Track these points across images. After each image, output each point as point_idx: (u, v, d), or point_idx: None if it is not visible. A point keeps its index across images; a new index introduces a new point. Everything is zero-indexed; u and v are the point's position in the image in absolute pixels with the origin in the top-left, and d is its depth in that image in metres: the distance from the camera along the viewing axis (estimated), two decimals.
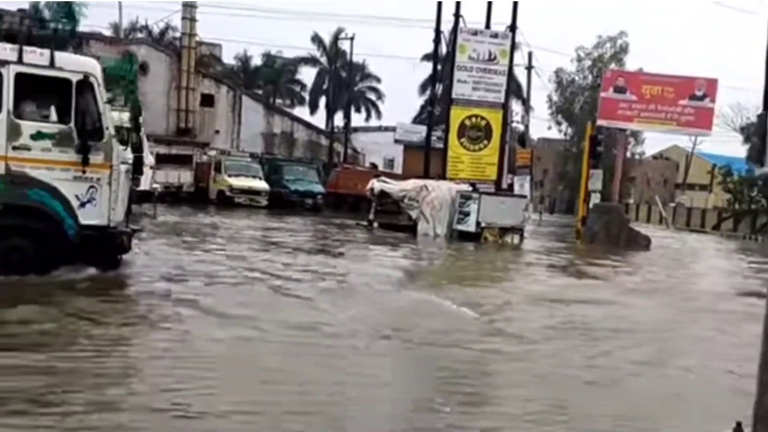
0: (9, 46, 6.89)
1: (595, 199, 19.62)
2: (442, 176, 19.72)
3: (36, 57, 6.95)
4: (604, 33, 42.74)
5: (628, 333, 7.09)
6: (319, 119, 42.18)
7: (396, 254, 13.04)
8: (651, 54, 67.95)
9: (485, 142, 20.44)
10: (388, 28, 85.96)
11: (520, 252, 15.67)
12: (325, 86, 43.99)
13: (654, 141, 54.98)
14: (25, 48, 6.91)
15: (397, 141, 37.31)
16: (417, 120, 40.86)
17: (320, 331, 6.14)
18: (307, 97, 45.23)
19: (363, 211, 21.11)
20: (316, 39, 43.08)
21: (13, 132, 6.85)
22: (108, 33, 32.70)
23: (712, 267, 16.14)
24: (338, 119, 41.56)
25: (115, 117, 7.45)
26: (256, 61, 43.60)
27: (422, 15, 78.80)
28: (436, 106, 26.05)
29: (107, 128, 7.17)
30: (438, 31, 22.15)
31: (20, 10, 8.31)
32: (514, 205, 17.38)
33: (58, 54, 7.02)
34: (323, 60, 43.86)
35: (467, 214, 16.72)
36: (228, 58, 41.06)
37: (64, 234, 7.03)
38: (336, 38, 41.29)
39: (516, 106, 34.01)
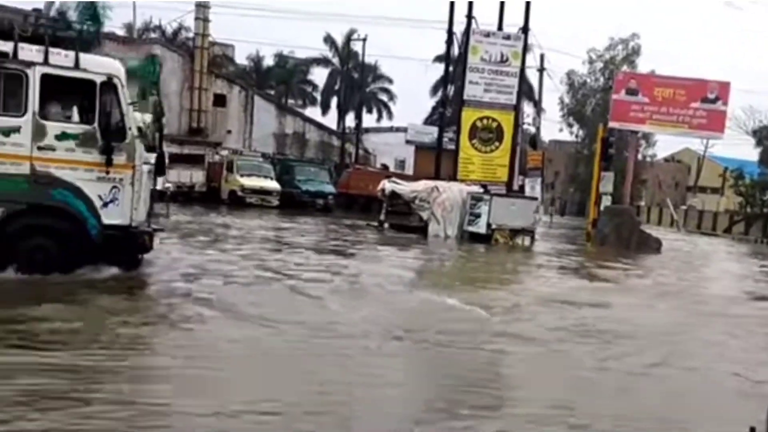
0: (35, 47, 6.97)
1: (606, 201, 19.61)
2: (453, 177, 19.75)
3: (61, 58, 7.05)
4: (616, 35, 42.69)
5: (639, 336, 7.12)
6: (331, 120, 42.38)
7: (407, 255, 13.11)
8: (663, 55, 67.77)
9: (496, 143, 20.48)
10: (400, 29, 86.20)
11: (531, 254, 15.69)
12: (336, 87, 44.12)
13: (666, 143, 54.86)
14: (51, 50, 7.00)
15: (408, 142, 37.39)
16: (428, 121, 40.92)
17: (333, 331, 6.21)
18: (318, 97, 45.38)
19: (374, 212, 21.20)
20: (329, 40, 43.26)
21: (39, 132, 6.97)
22: (121, 33, 33.00)
23: (723, 270, 16.11)
24: (350, 120, 41.70)
25: (137, 118, 7.57)
26: (268, 61, 43.84)
27: (435, 16, 78.75)
28: (448, 108, 26.11)
29: (130, 129, 7.28)
30: (450, 33, 22.19)
31: (35, 10, 8.46)
32: (524, 206, 17.41)
33: (82, 56, 7.12)
34: (335, 61, 43.98)
35: (478, 216, 16.77)
36: (240, 58, 41.28)
37: (87, 234, 7.13)
38: (348, 39, 41.39)
39: (527, 108, 33.91)
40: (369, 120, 44.02)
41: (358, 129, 39.11)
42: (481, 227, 16.61)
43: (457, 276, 11.72)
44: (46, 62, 6.98)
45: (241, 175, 25.01)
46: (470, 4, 20.66)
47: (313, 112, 41.32)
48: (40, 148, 6.99)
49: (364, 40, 37.60)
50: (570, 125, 43.87)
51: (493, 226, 16.50)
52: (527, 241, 16.67)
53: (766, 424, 2.83)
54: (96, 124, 7.15)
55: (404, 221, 18.79)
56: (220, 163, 26.68)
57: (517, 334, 6.73)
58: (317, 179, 27.24)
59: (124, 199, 7.26)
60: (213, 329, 5.99)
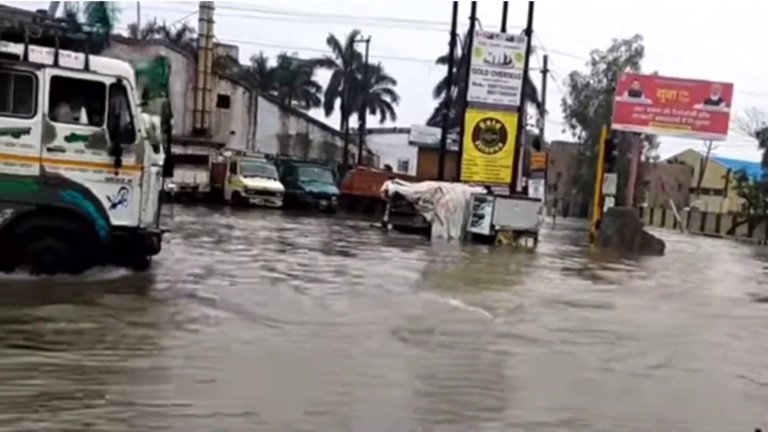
0: (45, 49, 7.02)
1: (609, 203, 19.63)
2: (457, 179, 19.80)
3: (71, 60, 7.09)
4: (619, 36, 42.83)
5: (643, 337, 7.14)
6: (334, 121, 42.47)
7: (410, 256, 13.16)
8: (666, 56, 67.68)
9: (500, 145, 20.53)
10: (403, 30, 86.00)
11: (534, 255, 15.72)
12: (340, 88, 44.20)
13: (669, 145, 54.90)
14: (61, 52, 7.05)
15: (411, 143, 37.44)
16: (431, 122, 41.01)
17: (336, 331, 6.24)
18: (322, 98, 45.46)
19: (377, 213, 21.27)
20: (332, 41, 43.33)
21: (48, 134, 7.01)
22: (125, 34, 33.12)
23: (726, 272, 16.11)
24: (353, 121, 41.74)
25: (146, 119, 7.63)
26: (272, 62, 43.93)
27: (438, 18, 78.86)
28: (451, 109, 26.16)
29: (139, 130, 7.32)
30: (454, 34, 22.22)
31: (39, 11, 8.49)
32: (528, 208, 17.45)
33: (92, 58, 7.17)
34: (339, 62, 44.07)
35: (481, 217, 16.81)
36: (244, 59, 41.40)
37: (95, 234, 7.16)
38: (351, 40, 41.50)
39: (531, 110, 34.02)
40: (372, 121, 44.18)
41: (362, 130, 39.20)
42: (484, 228, 16.65)
43: (461, 277, 11.75)
44: (56, 64, 7.02)
45: (245, 176, 25.08)
46: (473, 6, 20.71)
47: (317, 113, 41.51)
48: (49, 150, 7.03)
49: (368, 41, 37.78)
50: (573, 126, 43.93)
51: (497, 228, 16.54)
52: (530, 242, 16.71)
53: None
54: (105, 126, 7.19)
55: (408, 222, 18.84)
56: (223, 164, 26.76)
57: (521, 335, 6.76)
58: (320, 180, 27.30)
59: (132, 201, 7.29)
60: (218, 330, 6.02)
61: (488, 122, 20.49)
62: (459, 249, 15.63)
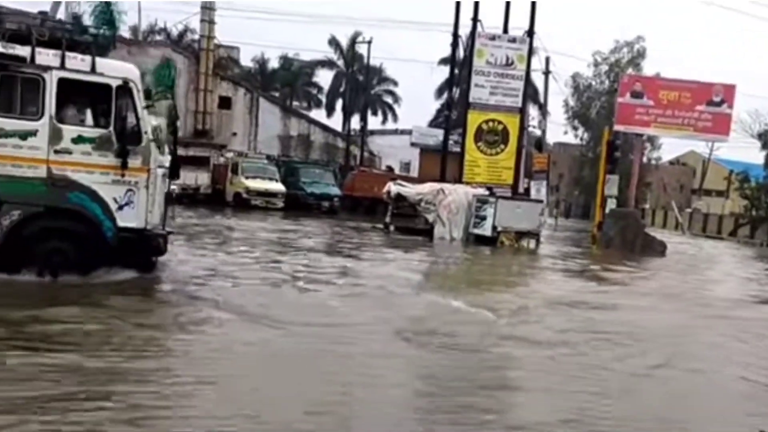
0: (51, 51, 7.06)
1: (611, 204, 19.68)
2: (459, 180, 19.84)
3: (78, 63, 7.13)
4: (621, 38, 42.83)
5: (645, 338, 7.17)
6: (336, 122, 42.50)
7: (413, 257, 13.18)
8: (668, 57, 67.57)
9: (502, 146, 20.56)
10: (405, 31, 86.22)
11: (537, 256, 15.76)
12: (341, 89, 44.24)
13: (671, 146, 54.79)
14: (67, 54, 7.09)
15: (413, 144, 37.47)
16: (433, 123, 41.02)
17: (340, 333, 6.26)
18: (323, 99, 45.50)
19: (379, 214, 21.30)
20: (334, 42, 43.37)
21: (55, 136, 7.05)
22: (126, 36, 33.19)
23: (728, 274, 16.12)
24: (355, 122, 41.82)
25: (152, 121, 7.68)
26: (273, 63, 44.02)
27: (440, 19, 78.96)
28: (453, 110, 26.21)
29: (145, 132, 7.36)
30: (456, 36, 22.28)
31: (41, 13, 8.53)
32: (530, 209, 17.50)
33: (98, 60, 7.21)
34: (340, 63, 44.11)
35: (483, 218, 16.85)
36: (245, 60, 41.47)
37: (102, 236, 7.19)
38: (353, 41, 41.57)
39: (533, 111, 34.06)
40: (374, 122, 44.21)
41: (363, 131, 39.24)
42: (486, 230, 16.69)
43: (463, 278, 11.78)
44: (63, 66, 7.06)
45: (246, 177, 25.09)
46: (476, 7, 20.74)
47: (318, 115, 41.56)
48: (56, 152, 7.07)
49: (369, 42, 37.81)
50: (575, 128, 44.05)
51: (499, 229, 16.59)
52: (533, 243, 16.75)
53: None
54: (112, 128, 7.23)
55: (410, 224, 18.87)
56: (225, 165, 26.77)
57: (524, 337, 6.78)
58: (322, 181, 27.33)
59: (139, 202, 7.33)
60: (222, 332, 6.05)
61: (490, 123, 20.52)
62: (461, 250, 15.65)
